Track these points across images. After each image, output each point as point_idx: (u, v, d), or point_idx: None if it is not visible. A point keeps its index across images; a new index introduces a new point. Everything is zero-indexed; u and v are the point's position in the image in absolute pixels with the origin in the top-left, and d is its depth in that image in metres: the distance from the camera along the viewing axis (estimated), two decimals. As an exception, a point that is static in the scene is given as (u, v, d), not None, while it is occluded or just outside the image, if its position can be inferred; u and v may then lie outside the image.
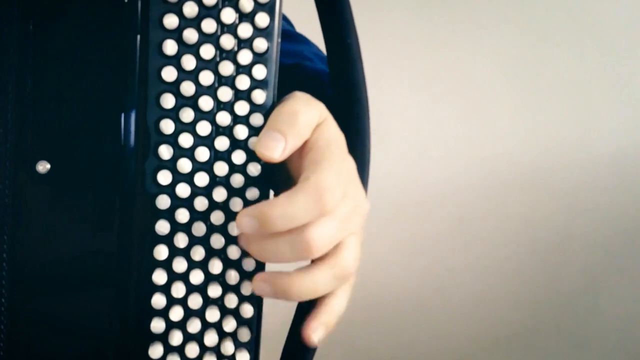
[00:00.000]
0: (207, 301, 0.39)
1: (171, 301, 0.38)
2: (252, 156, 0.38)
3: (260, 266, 0.39)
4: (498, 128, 1.14)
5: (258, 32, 0.38)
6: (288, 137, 0.36)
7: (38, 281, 0.37)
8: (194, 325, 0.39)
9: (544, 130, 1.14)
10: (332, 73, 0.44)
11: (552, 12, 1.09)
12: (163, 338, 0.39)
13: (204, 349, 0.39)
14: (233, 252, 0.39)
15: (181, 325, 0.39)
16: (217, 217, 0.38)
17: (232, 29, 0.37)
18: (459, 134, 1.14)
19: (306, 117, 0.37)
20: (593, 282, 1.22)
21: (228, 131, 0.38)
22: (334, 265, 0.36)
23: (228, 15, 0.37)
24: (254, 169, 0.38)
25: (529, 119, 1.14)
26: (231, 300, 0.39)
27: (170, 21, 0.36)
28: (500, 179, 1.16)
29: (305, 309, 0.43)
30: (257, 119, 0.38)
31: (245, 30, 0.37)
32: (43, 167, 0.36)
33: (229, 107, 0.38)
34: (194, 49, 0.37)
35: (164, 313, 0.38)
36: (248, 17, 0.37)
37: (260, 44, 0.38)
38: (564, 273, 1.21)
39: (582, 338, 1.24)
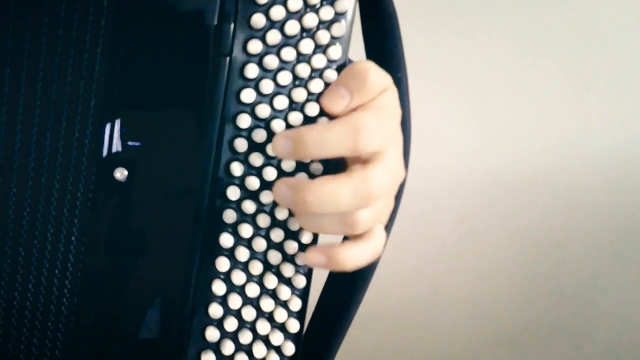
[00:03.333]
0: (259, 314, 0.41)
1: (227, 312, 0.40)
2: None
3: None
4: (498, 128, 1.15)
5: (330, 63, 0.40)
6: (354, 95, 0.38)
7: (104, 286, 0.39)
8: (246, 337, 0.40)
9: (544, 129, 1.15)
10: None
11: (552, 12, 1.09)
12: (216, 347, 0.40)
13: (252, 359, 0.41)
14: (287, 270, 0.40)
15: (233, 335, 0.40)
16: (276, 235, 0.40)
17: (307, 59, 0.39)
18: (459, 134, 1.13)
19: (376, 77, 0.38)
20: (593, 282, 1.22)
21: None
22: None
23: (306, 45, 0.39)
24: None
25: (529, 118, 1.14)
26: (280, 315, 0.41)
27: (254, 46, 0.38)
28: (500, 179, 1.16)
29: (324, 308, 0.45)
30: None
31: (319, 61, 0.40)
32: (121, 174, 0.37)
33: (298, 130, 0.40)
34: (272, 74, 0.39)
35: (219, 323, 0.40)
36: (322, 49, 0.40)
37: (331, 75, 0.40)
38: (564, 273, 1.22)
39: (582, 338, 1.25)
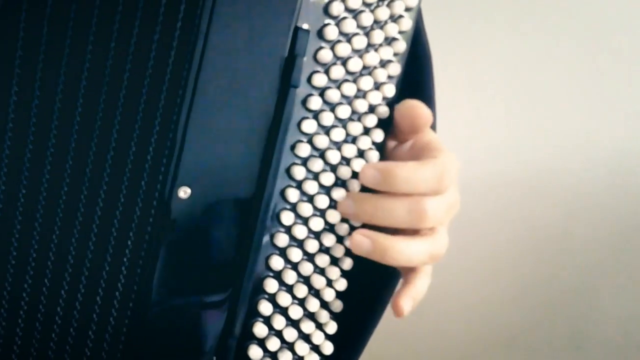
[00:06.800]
0: (300, 335, 0.42)
1: (271, 332, 0.41)
2: None
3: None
4: (498, 128, 1.16)
5: (384, 100, 0.42)
6: None
7: (155, 303, 0.39)
8: (285, 357, 0.42)
9: (544, 129, 1.16)
10: None
11: (552, 12, 1.10)
12: (257, 365, 0.41)
13: (289, 379, 0.42)
14: (329, 294, 0.42)
15: (274, 356, 0.42)
16: (322, 260, 0.42)
17: (364, 94, 0.41)
18: (459, 133, 1.13)
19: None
20: (593, 282, 1.23)
21: (345, 183, 0.42)
22: (432, 243, 0.39)
23: (366, 82, 0.41)
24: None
25: (529, 119, 1.15)
26: (318, 338, 0.43)
27: (319, 80, 0.40)
28: (500, 179, 1.17)
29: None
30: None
31: (375, 98, 0.42)
32: (184, 192, 0.38)
33: (349, 162, 0.41)
34: (332, 107, 0.40)
35: (262, 342, 0.41)
36: (377, 86, 0.42)
37: (384, 111, 0.42)
38: (564, 273, 1.23)
39: (582, 338, 1.25)
